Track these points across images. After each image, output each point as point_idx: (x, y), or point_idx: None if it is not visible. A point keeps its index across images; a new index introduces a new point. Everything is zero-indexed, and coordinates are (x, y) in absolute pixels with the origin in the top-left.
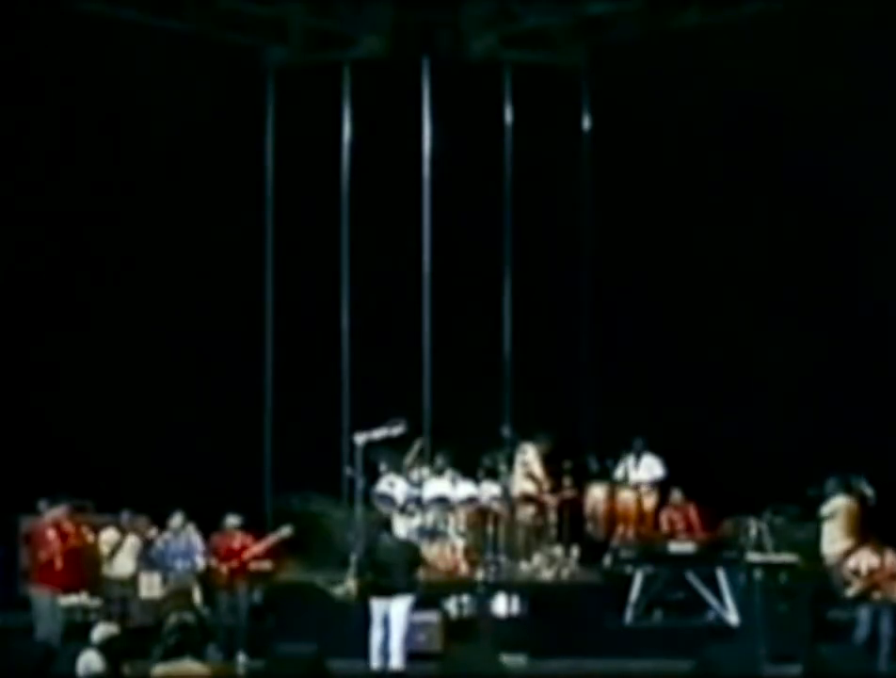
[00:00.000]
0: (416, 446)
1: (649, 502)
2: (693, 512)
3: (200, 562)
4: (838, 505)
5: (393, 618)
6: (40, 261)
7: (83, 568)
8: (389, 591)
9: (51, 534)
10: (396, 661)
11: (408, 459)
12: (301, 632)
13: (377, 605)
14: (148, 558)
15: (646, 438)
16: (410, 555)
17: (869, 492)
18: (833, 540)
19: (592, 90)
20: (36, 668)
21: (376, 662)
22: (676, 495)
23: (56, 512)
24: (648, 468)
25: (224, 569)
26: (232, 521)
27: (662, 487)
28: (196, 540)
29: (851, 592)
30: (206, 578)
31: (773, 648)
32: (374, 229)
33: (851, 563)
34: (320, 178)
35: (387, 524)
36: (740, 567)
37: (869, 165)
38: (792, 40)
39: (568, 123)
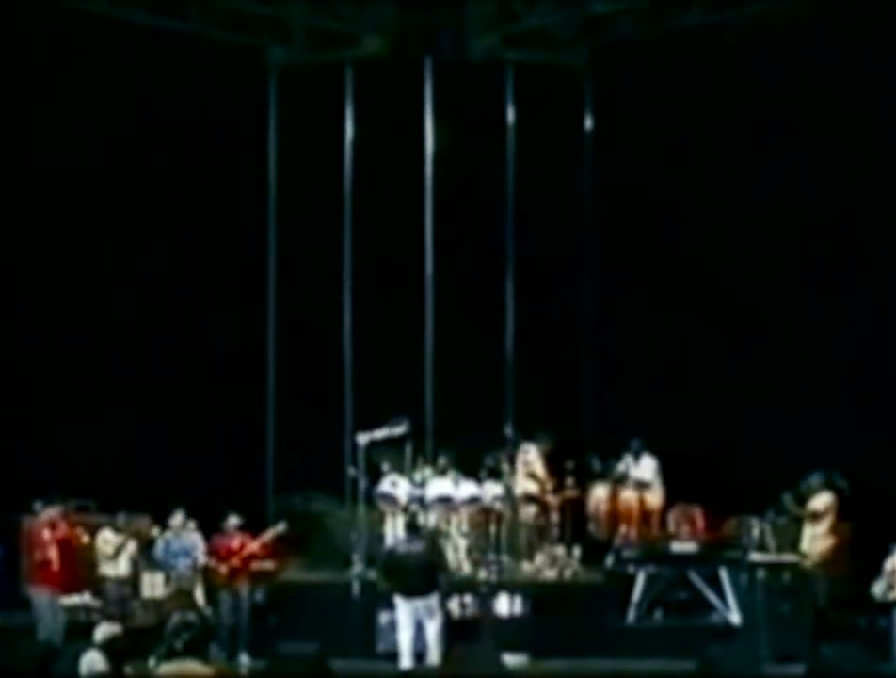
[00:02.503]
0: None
1: (652, 502)
2: (699, 515)
3: (201, 561)
4: (830, 502)
5: (424, 618)
6: (41, 259)
7: (80, 568)
8: (410, 592)
9: (46, 534)
10: (433, 657)
11: (409, 458)
12: (304, 632)
13: (403, 606)
14: (149, 558)
15: (643, 438)
16: (432, 557)
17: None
18: (824, 537)
19: (594, 90)
20: (37, 667)
21: (406, 662)
22: (681, 504)
23: (52, 512)
24: (644, 469)
25: (224, 569)
26: (233, 521)
27: (668, 487)
28: (196, 538)
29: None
30: (207, 578)
31: (775, 648)
32: (376, 228)
33: (888, 566)
34: (323, 178)
35: (411, 526)
36: (742, 567)
37: (872, 164)
38: (794, 40)
39: (570, 123)
